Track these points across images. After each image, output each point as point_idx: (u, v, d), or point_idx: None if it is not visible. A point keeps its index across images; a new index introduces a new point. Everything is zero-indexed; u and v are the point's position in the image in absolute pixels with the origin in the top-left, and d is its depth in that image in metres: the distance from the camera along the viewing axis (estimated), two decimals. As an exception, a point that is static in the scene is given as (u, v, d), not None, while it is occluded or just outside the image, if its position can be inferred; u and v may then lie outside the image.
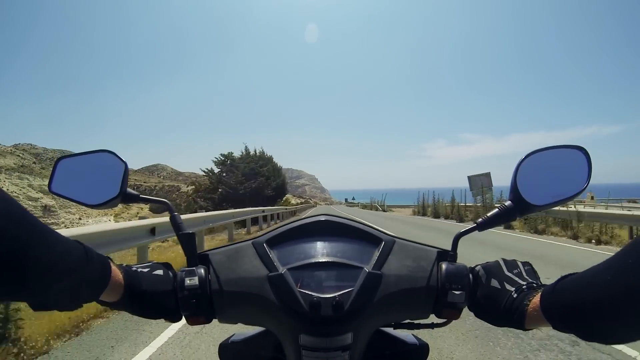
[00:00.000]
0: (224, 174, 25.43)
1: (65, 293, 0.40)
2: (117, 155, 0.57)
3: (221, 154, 26.41)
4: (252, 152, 28.19)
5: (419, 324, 0.61)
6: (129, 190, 0.57)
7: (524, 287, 0.49)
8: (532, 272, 0.52)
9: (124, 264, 0.51)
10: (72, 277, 0.39)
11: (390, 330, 0.65)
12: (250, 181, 24.56)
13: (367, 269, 0.53)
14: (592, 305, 0.38)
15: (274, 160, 30.45)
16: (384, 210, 42.20)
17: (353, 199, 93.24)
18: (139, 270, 0.51)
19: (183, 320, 0.54)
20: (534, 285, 0.49)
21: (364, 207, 57.44)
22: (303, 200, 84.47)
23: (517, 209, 0.54)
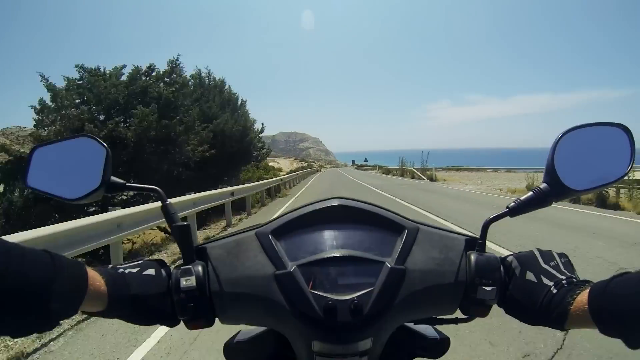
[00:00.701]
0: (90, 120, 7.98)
1: (37, 312, 0.35)
2: (97, 140, 0.51)
3: (80, 68, 8.69)
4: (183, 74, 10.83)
5: (442, 319, 0.57)
6: (114, 178, 0.51)
7: (563, 281, 0.45)
8: (569, 265, 0.49)
9: (109, 266, 0.46)
10: (37, 295, 0.34)
11: (410, 324, 0.61)
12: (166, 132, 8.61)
13: (389, 263, 0.48)
14: None
15: (232, 92, 15.56)
16: (432, 179, 23.38)
17: (365, 160, 75.75)
18: (127, 271, 0.46)
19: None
20: (573, 280, 0.45)
21: (387, 171, 39.98)
22: (306, 164, 71.58)
23: (554, 193, 0.49)
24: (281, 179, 17.56)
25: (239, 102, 16.04)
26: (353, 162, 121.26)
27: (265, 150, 21.05)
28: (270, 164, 64.54)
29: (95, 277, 0.42)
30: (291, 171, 35.77)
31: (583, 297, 0.41)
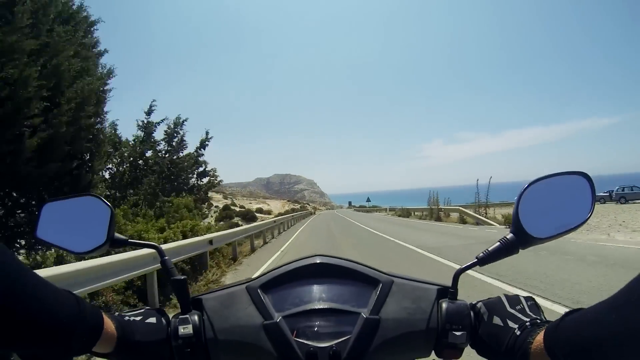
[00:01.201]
0: None
1: (58, 345, 0.39)
2: (102, 200, 0.57)
3: None
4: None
5: None
6: (117, 235, 0.57)
7: (527, 324, 0.48)
8: (535, 307, 0.52)
9: (117, 313, 0.51)
10: (64, 330, 0.39)
11: None
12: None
13: (365, 314, 0.53)
14: (595, 345, 0.36)
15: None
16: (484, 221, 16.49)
17: (368, 200, 60.89)
18: (132, 319, 0.51)
19: None
20: (538, 321, 0.48)
21: (407, 213, 29.80)
22: (299, 206, 66.32)
23: (519, 242, 0.53)
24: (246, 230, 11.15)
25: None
26: (350, 203, 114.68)
27: (209, 179, 15.33)
28: (257, 206, 59.61)
29: (108, 322, 0.46)
30: (279, 215, 30.25)
31: (540, 336, 0.43)
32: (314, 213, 56.52)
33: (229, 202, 51.76)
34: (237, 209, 44.08)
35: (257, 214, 45.95)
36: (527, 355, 0.45)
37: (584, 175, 0.51)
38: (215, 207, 50.32)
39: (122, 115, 12.74)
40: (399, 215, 31.05)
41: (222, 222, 35.06)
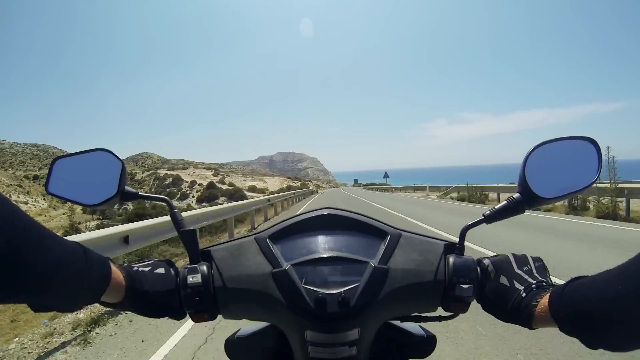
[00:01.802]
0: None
1: (66, 295, 0.40)
2: (113, 154, 0.57)
3: None
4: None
5: (426, 316, 0.60)
6: (127, 188, 0.57)
7: (533, 286, 0.49)
8: (542, 269, 0.52)
9: (125, 264, 0.52)
10: (72, 280, 0.39)
11: (397, 322, 0.64)
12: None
13: (373, 263, 0.53)
14: (601, 313, 0.37)
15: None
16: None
17: (386, 176, 44.04)
18: (141, 269, 0.51)
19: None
20: (544, 284, 0.49)
21: (446, 194, 22.69)
22: (299, 184, 60.80)
23: (526, 202, 0.54)
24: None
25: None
26: (356, 181, 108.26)
27: None
28: (251, 183, 54.23)
29: (116, 272, 0.47)
30: (269, 194, 24.82)
31: (545, 299, 0.45)
32: (316, 192, 46.49)
33: (217, 179, 46.89)
34: (225, 187, 39.63)
35: (250, 193, 40.42)
36: (532, 317, 0.46)
37: (591, 140, 0.52)
38: (199, 185, 45.75)
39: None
40: (468, 200, 17.48)
41: (204, 203, 30.48)
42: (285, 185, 52.93)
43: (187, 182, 45.91)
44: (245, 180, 54.88)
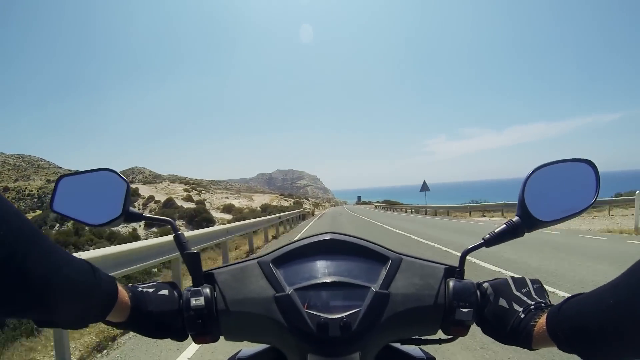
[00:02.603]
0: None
1: (74, 312, 0.40)
2: (118, 174, 0.57)
3: None
4: None
5: (427, 339, 0.60)
6: (132, 209, 0.57)
7: (532, 307, 0.49)
8: (541, 290, 0.52)
9: (130, 284, 0.52)
10: (81, 296, 0.40)
11: (397, 345, 0.64)
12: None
13: (375, 288, 0.53)
14: (597, 327, 0.37)
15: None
16: None
17: (425, 188, 27.08)
18: (145, 290, 0.52)
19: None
20: (542, 305, 0.49)
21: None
22: (292, 202, 53.41)
23: (525, 225, 0.54)
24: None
25: None
26: (359, 198, 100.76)
27: None
28: (233, 201, 46.96)
29: (122, 292, 0.47)
30: (237, 220, 16.91)
31: (543, 319, 0.45)
32: (312, 214, 37.85)
33: (183, 195, 39.97)
34: (187, 206, 32.53)
35: (221, 215, 33.55)
36: (531, 337, 0.46)
37: (589, 162, 0.52)
38: (156, 202, 38.79)
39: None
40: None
41: (154, 229, 23.55)
42: (275, 204, 45.68)
43: (143, 197, 38.52)
44: (227, 198, 48.01)
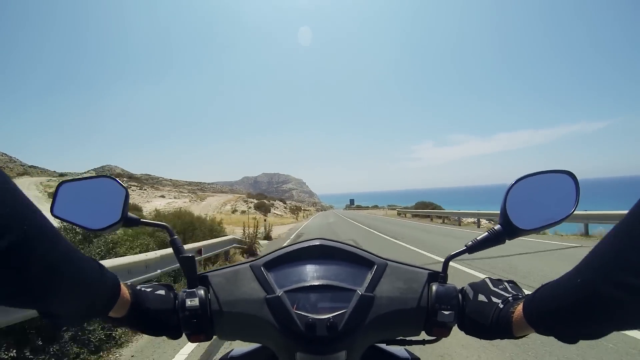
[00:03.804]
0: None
1: (80, 304, 0.42)
2: (117, 182, 0.60)
3: None
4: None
5: (411, 340, 0.63)
6: (130, 214, 0.59)
7: (509, 298, 0.52)
8: (516, 287, 0.56)
9: (129, 283, 0.54)
10: (88, 290, 0.42)
11: (383, 345, 0.67)
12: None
13: (360, 291, 0.56)
14: (569, 308, 0.40)
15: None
16: None
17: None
18: (143, 289, 0.55)
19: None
20: (519, 296, 0.53)
21: None
22: (254, 201, 43.67)
23: (506, 233, 0.56)
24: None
25: None
26: (352, 201, 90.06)
27: None
28: (162, 202, 37.31)
29: (124, 289, 0.50)
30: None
31: (520, 307, 0.48)
32: (295, 221, 28.56)
33: None
34: None
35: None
36: (510, 325, 0.49)
37: (569, 173, 0.54)
38: None
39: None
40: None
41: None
42: (230, 208, 35.85)
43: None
44: (162, 196, 38.89)
